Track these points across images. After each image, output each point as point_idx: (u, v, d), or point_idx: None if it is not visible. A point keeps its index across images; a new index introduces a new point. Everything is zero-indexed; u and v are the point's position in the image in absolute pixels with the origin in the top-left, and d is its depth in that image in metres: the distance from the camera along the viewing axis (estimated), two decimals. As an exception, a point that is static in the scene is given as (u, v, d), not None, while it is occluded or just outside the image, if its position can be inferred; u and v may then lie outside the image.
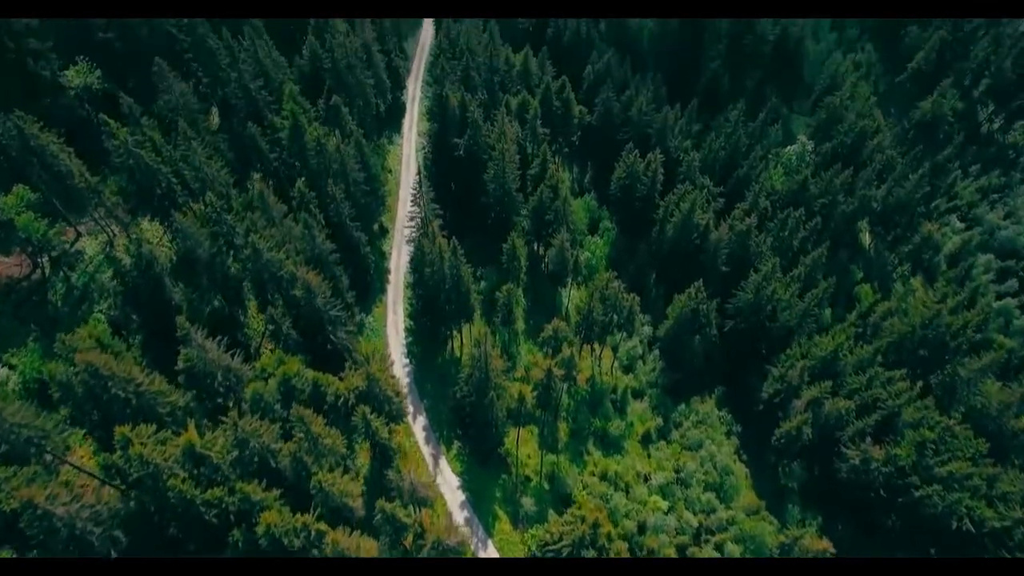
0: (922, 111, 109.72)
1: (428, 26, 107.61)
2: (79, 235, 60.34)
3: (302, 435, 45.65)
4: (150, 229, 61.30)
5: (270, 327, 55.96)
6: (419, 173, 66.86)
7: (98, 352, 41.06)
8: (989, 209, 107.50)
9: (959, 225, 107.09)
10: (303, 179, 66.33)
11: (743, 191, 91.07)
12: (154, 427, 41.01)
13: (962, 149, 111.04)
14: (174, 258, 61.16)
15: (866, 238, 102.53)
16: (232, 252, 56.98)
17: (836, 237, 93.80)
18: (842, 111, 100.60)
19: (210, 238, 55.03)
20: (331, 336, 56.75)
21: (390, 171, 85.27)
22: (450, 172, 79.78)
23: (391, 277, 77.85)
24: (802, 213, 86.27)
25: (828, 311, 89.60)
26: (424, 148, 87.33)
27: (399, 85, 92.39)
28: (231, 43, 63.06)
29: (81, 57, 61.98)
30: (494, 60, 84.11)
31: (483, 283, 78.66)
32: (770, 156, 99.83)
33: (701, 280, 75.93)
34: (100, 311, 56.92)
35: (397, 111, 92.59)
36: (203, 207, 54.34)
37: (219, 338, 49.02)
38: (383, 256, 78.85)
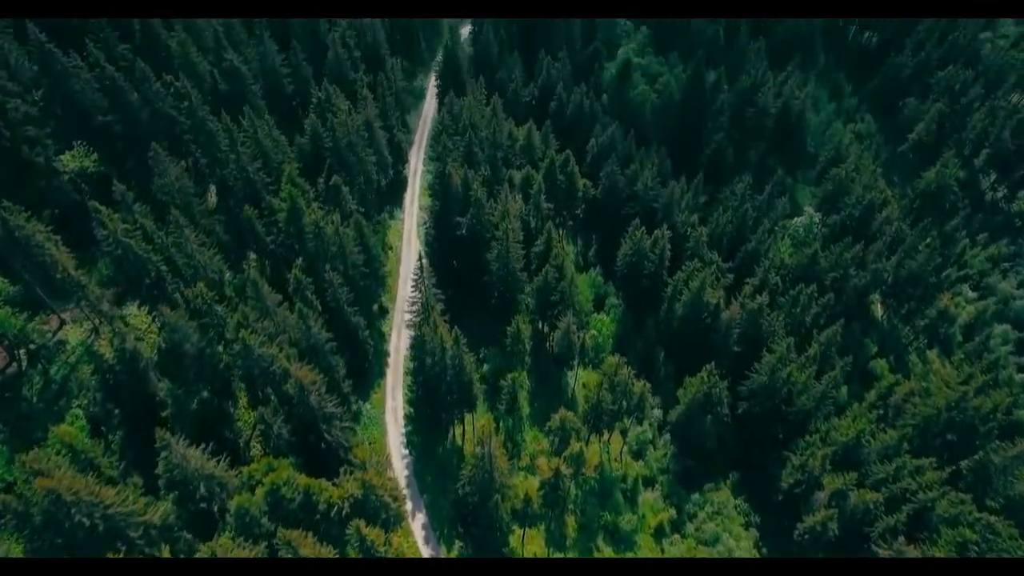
0: (926, 181, 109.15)
1: (431, 98, 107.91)
2: (63, 323, 57.43)
3: (290, 556, 41.45)
4: (138, 316, 58.39)
5: (260, 426, 52.29)
6: (420, 258, 64.56)
7: (63, 471, 37.33)
8: (1002, 278, 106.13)
9: (972, 294, 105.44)
10: (300, 264, 64.24)
11: (752, 266, 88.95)
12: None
13: (969, 218, 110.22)
14: (163, 344, 57.91)
15: (878, 309, 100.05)
16: (223, 343, 53.93)
17: (848, 310, 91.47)
18: (848, 183, 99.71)
19: (199, 330, 52.09)
20: (325, 435, 53.02)
21: (390, 248, 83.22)
22: (452, 250, 77.69)
23: (390, 360, 74.55)
24: (814, 289, 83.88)
25: (844, 388, 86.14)
26: (426, 223, 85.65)
27: (401, 159, 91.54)
28: (230, 126, 61.71)
29: (78, 142, 60.61)
30: (497, 135, 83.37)
31: (486, 366, 75.33)
32: (777, 228, 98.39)
33: (713, 363, 72.85)
34: (79, 406, 53.38)
35: (399, 185, 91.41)
36: (193, 298, 51.59)
37: (202, 446, 45.33)
38: (382, 337, 75.76)
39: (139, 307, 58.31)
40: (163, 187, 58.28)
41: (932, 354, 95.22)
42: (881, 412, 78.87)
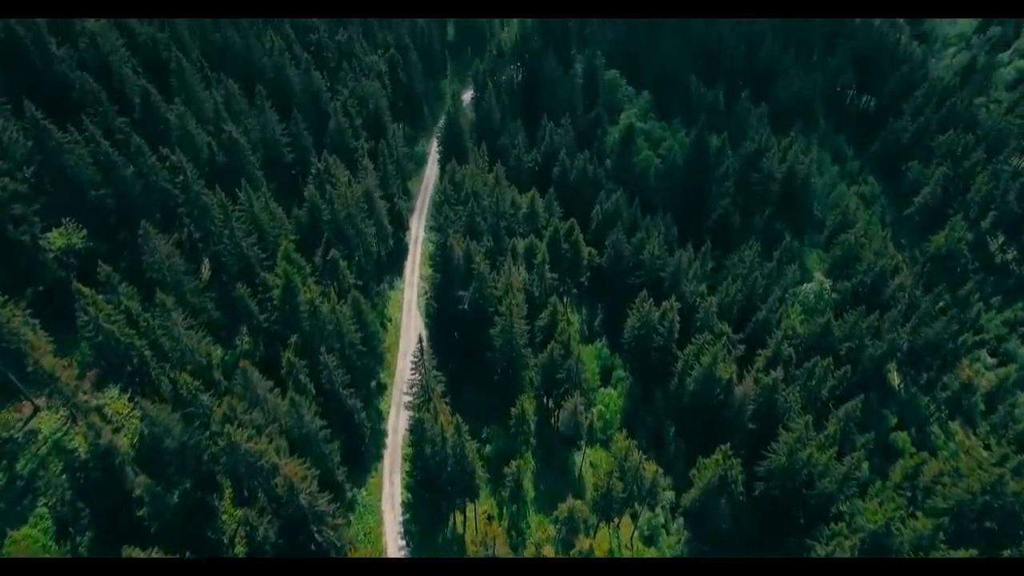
0: (935, 245, 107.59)
1: (432, 163, 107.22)
2: (36, 410, 53.82)
3: None
4: (118, 401, 54.82)
5: (245, 527, 48.10)
6: (420, 340, 61.55)
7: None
8: (1021, 343, 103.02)
9: (991, 360, 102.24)
10: (296, 341, 61.36)
11: (764, 336, 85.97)
12: None
13: (982, 282, 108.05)
14: (145, 431, 54.12)
15: (894, 378, 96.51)
16: (208, 433, 50.27)
17: (865, 381, 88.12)
18: (858, 248, 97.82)
19: (183, 421, 48.56)
20: (316, 535, 48.76)
21: (390, 320, 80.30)
22: (454, 324, 74.81)
23: (388, 441, 70.48)
24: (830, 362, 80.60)
25: (866, 464, 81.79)
26: (427, 293, 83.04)
27: (401, 227, 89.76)
28: (225, 201, 59.76)
29: (67, 219, 58.49)
30: (500, 203, 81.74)
31: (489, 446, 71.22)
32: (787, 295, 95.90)
33: (728, 444, 68.89)
34: (45, 504, 49.20)
35: (399, 253, 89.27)
36: (178, 386, 48.28)
37: (179, 556, 41.16)
38: (380, 416, 71.90)
39: (120, 393, 54.80)
40: (152, 265, 55.74)
41: (955, 426, 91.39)
42: (909, 494, 74.30)
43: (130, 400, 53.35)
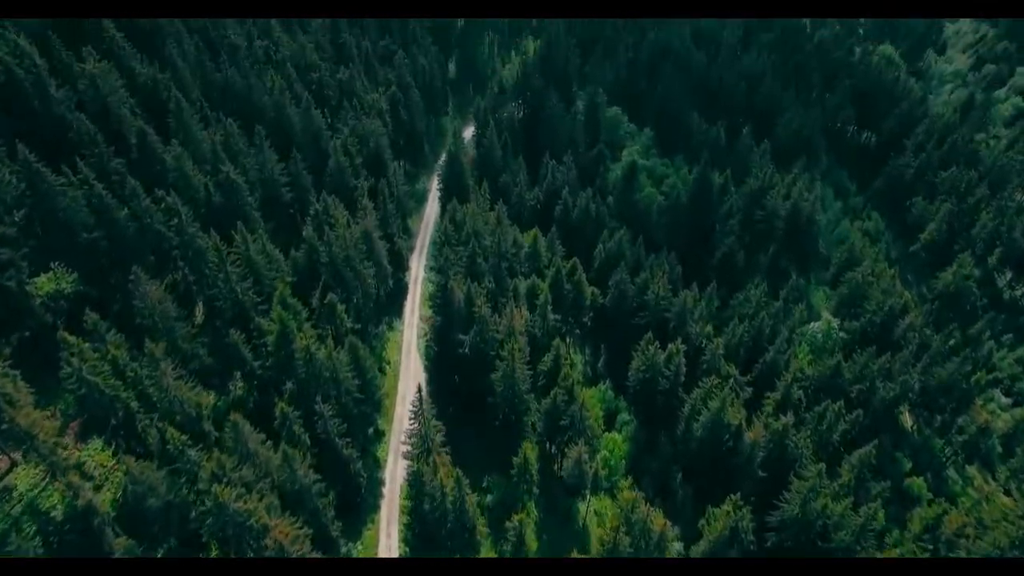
0: (943, 282, 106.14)
1: (433, 200, 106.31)
2: (14, 464, 51.23)
3: None
4: (102, 454, 52.36)
5: (231, 593, 45.20)
6: (420, 389, 59.34)
7: None
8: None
9: (1005, 400, 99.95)
10: (291, 388, 59.22)
11: (772, 378, 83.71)
12: None
13: (992, 320, 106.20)
14: (128, 488, 51.58)
15: (907, 419, 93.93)
16: (195, 491, 47.81)
17: (876, 423, 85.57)
18: (865, 287, 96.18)
19: (168, 478, 46.17)
20: (306, 600, 45.83)
21: (388, 363, 78.14)
22: (454, 367, 72.76)
23: (386, 490, 67.52)
24: (841, 406, 78.15)
25: (882, 512, 78.67)
26: (427, 334, 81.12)
27: (401, 266, 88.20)
28: (219, 245, 58.25)
29: (56, 263, 56.95)
30: (502, 243, 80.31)
31: (490, 496, 68.40)
32: (795, 335, 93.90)
33: (739, 493, 66.29)
34: (21, 570, 46.31)
35: (399, 293, 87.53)
36: (165, 441, 46.03)
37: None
38: (377, 464, 69.19)
39: (104, 446, 52.37)
40: (143, 311, 53.94)
41: (973, 470, 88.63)
42: (931, 547, 71.21)
43: (114, 454, 50.90)
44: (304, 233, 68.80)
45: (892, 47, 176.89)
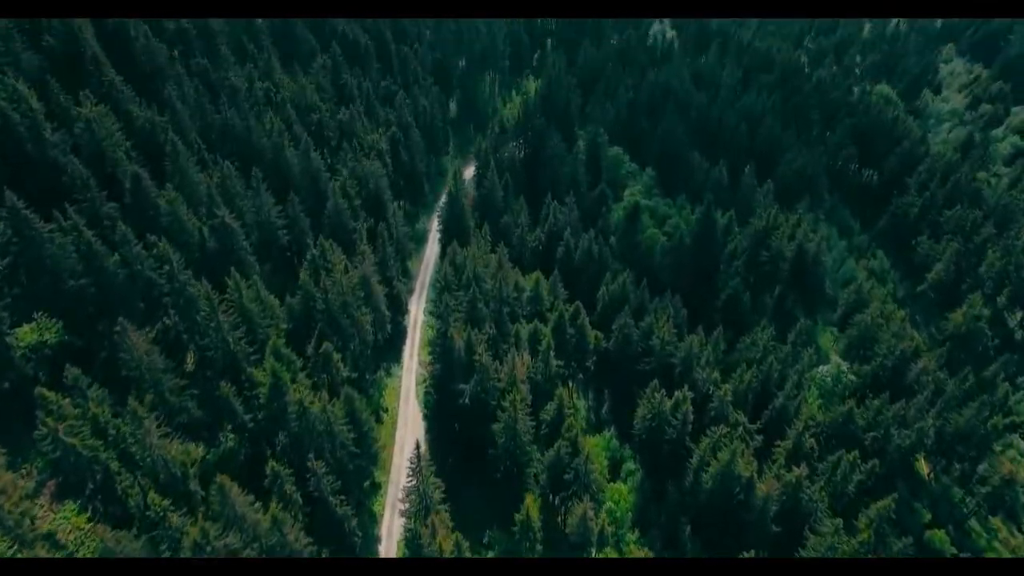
0: (953, 324, 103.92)
1: (433, 241, 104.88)
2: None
3: None
4: (78, 518, 49.34)
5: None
6: (417, 446, 56.74)
7: None
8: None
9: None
10: (283, 441, 56.69)
11: (782, 425, 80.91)
12: None
13: (1007, 361, 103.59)
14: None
15: (923, 467, 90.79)
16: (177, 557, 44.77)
17: (892, 472, 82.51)
18: (875, 330, 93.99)
19: (148, 545, 43.22)
20: None
21: (386, 410, 75.46)
22: (454, 417, 70.16)
23: (382, 548, 64.24)
24: (856, 455, 75.21)
25: (902, 570, 74.93)
26: (426, 381, 78.65)
27: (400, 310, 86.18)
28: (211, 294, 56.26)
29: (39, 313, 54.90)
30: (503, 288, 78.40)
31: (491, 552, 65.12)
32: (804, 379, 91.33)
33: (753, 552, 63.05)
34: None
35: (397, 337, 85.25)
36: (147, 505, 43.25)
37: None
38: (373, 519, 66.00)
39: (80, 510, 49.36)
40: (129, 363, 51.65)
41: (997, 521, 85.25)
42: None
43: (90, 519, 47.88)
44: (300, 279, 66.85)
45: (888, 87, 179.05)
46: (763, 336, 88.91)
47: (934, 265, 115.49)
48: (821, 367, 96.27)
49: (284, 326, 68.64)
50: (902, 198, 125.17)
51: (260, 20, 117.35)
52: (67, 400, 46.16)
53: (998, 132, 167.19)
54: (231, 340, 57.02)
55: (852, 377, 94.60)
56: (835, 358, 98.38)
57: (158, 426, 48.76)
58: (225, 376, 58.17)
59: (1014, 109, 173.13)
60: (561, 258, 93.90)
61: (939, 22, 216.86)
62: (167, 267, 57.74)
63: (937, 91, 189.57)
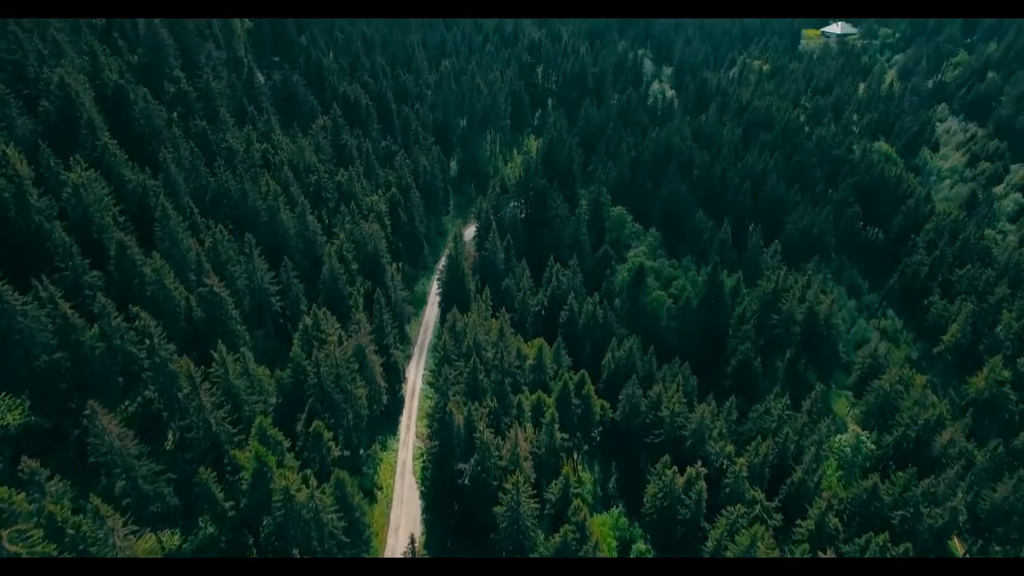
0: (975, 389, 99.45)
1: (433, 304, 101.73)
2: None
3: None
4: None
5: None
6: (412, 540, 51.94)
7: None
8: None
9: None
10: (267, 528, 51.90)
11: (801, 502, 75.76)
12: None
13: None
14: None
15: (957, 547, 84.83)
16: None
17: (922, 552, 76.67)
18: (895, 398, 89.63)
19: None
20: None
21: (380, 488, 70.48)
22: (453, 497, 65.28)
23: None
24: (886, 538, 69.74)
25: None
26: (423, 456, 73.86)
27: (398, 378, 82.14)
28: (193, 372, 52.55)
29: (5, 393, 51.12)
30: (505, 358, 74.63)
31: (492, 653, 59.00)
32: (822, 450, 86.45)
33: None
34: None
35: (394, 407, 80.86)
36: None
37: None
38: (362, 613, 60.22)
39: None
40: (98, 449, 47.48)
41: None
42: None
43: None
44: (291, 352, 63.21)
45: (887, 144, 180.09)
46: (777, 405, 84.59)
47: (948, 326, 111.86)
48: (839, 436, 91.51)
49: (273, 400, 64.66)
50: (911, 257, 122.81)
51: (263, 81, 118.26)
52: (21, 496, 41.76)
53: (999, 189, 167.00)
54: (213, 421, 52.97)
55: (872, 447, 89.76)
56: (853, 426, 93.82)
57: (125, 522, 44.17)
58: (206, 459, 53.83)
59: (1013, 167, 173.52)
60: (565, 323, 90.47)
61: (931, 82, 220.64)
62: (148, 342, 54.14)
63: (935, 149, 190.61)
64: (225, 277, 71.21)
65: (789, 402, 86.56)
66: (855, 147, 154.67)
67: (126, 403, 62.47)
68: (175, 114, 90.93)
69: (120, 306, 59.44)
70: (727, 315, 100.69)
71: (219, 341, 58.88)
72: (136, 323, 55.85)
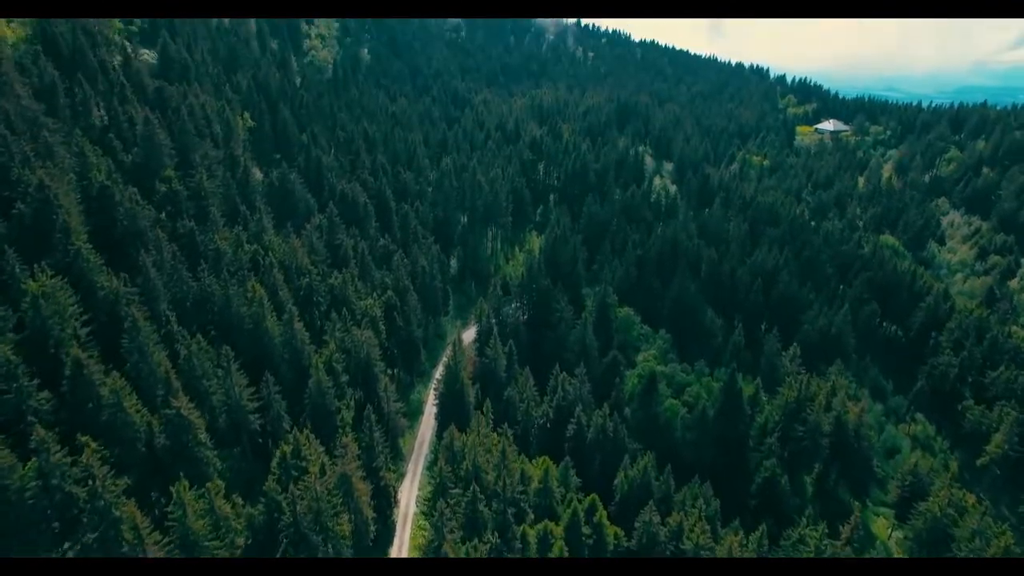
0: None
1: (429, 416, 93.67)
2: None
3: None
4: None
5: None
6: None
7: None
8: None
9: None
10: None
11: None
12: None
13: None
14: None
15: None
16: None
17: None
18: (948, 524, 79.80)
19: None
20: None
21: (361, 646, 59.82)
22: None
23: None
24: None
25: None
26: (412, 602, 63.70)
27: (389, 503, 72.99)
28: (139, 521, 44.49)
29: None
30: (507, 484, 66.13)
31: None
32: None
33: None
34: None
35: (385, 536, 71.15)
36: None
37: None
38: None
39: None
40: None
41: None
42: None
43: None
44: (265, 486, 55.09)
45: (893, 238, 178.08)
46: (814, 535, 74.79)
47: (989, 434, 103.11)
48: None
49: (241, 541, 55.86)
50: (938, 358, 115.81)
51: (260, 178, 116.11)
52: None
53: (1014, 283, 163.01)
54: None
55: (926, 580, 78.89)
56: (899, 554, 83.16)
57: None
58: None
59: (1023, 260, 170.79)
60: (572, 438, 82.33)
61: (927, 177, 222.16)
62: (91, 482, 46.39)
63: (941, 242, 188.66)
64: (200, 393, 64.28)
65: (827, 530, 76.74)
66: (864, 241, 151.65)
67: (65, 547, 53.58)
68: (163, 214, 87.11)
69: (70, 433, 52.08)
70: (746, 425, 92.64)
71: (181, 474, 50.99)
72: (81, 457, 48.23)
